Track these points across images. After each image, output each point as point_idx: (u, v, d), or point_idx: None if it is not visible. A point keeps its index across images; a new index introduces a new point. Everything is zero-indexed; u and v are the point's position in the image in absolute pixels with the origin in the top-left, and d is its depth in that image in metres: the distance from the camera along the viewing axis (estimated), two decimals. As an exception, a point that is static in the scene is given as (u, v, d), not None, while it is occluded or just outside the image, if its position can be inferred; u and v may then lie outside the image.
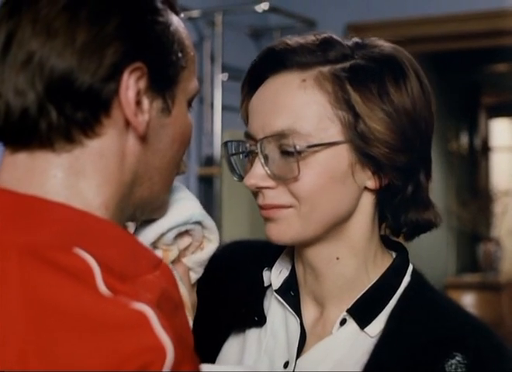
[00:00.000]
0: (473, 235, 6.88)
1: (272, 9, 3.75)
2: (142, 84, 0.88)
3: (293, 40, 1.13)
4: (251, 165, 1.13)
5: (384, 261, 1.17)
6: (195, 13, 3.65)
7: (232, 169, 1.19)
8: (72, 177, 0.87)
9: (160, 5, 0.91)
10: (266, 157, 1.10)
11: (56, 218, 0.85)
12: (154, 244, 1.03)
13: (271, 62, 1.13)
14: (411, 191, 1.13)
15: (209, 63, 3.75)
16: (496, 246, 6.75)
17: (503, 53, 4.80)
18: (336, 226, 1.13)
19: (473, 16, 3.83)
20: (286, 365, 1.16)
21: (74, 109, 0.85)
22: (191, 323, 1.05)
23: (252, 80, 1.17)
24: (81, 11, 0.86)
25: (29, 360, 0.75)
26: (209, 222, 1.07)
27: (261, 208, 1.13)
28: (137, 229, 1.03)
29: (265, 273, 1.23)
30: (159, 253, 1.04)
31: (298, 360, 1.15)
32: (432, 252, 5.92)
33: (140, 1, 0.90)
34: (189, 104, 0.97)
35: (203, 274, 1.11)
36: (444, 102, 6.35)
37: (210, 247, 1.09)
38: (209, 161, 3.77)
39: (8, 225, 0.84)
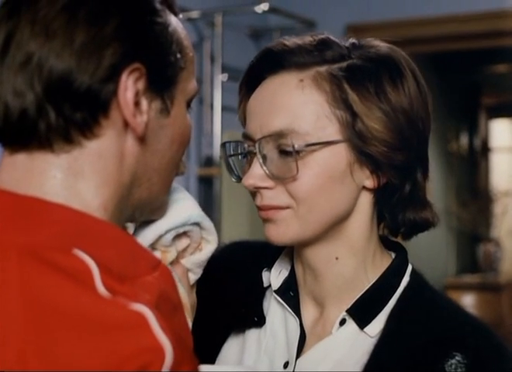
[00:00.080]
0: (473, 236, 6.88)
1: (272, 10, 3.76)
2: (141, 84, 0.88)
3: (291, 41, 1.14)
4: (250, 166, 1.13)
5: (383, 261, 1.17)
6: (194, 14, 3.65)
7: (230, 170, 1.19)
8: (71, 178, 0.87)
9: (158, 5, 0.91)
10: (264, 157, 1.11)
11: (55, 219, 0.85)
12: (153, 245, 1.03)
13: (269, 62, 1.13)
14: (409, 190, 1.13)
15: (209, 63, 3.75)
16: (495, 247, 6.75)
17: (503, 54, 4.80)
18: (335, 226, 1.13)
19: (473, 17, 3.83)
20: (286, 365, 1.16)
21: (72, 110, 0.86)
22: (190, 324, 1.05)
23: (250, 80, 1.17)
24: (79, 12, 0.86)
25: (28, 360, 0.75)
26: (207, 223, 1.07)
27: (259, 208, 1.13)
28: (136, 230, 1.03)
29: (265, 274, 1.23)
30: (157, 254, 1.04)
31: (298, 360, 1.15)
32: (432, 252, 5.93)
33: (139, 2, 0.90)
34: (188, 104, 0.97)
35: (203, 275, 1.11)
36: (444, 103, 6.35)
37: (209, 248, 1.09)
38: (208, 162, 3.77)
39: (8, 226, 0.84)
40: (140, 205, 0.95)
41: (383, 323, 1.12)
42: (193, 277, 1.09)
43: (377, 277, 1.15)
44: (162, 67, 0.91)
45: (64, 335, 0.75)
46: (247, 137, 1.14)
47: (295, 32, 1.22)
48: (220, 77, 3.71)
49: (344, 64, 1.11)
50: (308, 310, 1.18)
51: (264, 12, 3.74)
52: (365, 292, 1.14)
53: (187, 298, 1.05)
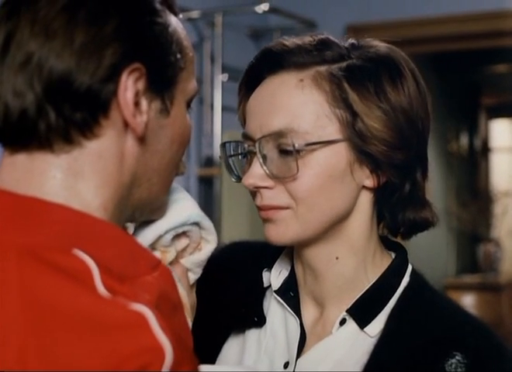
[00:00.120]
0: (473, 236, 6.89)
1: (272, 10, 3.76)
2: (140, 85, 0.88)
3: (290, 41, 1.14)
4: (249, 165, 1.13)
5: (383, 261, 1.17)
6: (195, 14, 3.65)
7: (230, 170, 1.19)
8: (71, 178, 0.87)
9: (158, 6, 0.91)
10: (264, 157, 1.11)
11: (55, 219, 0.85)
12: (152, 246, 1.03)
13: (269, 62, 1.14)
14: (408, 190, 1.14)
15: (209, 63, 3.75)
16: (495, 247, 6.75)
17: (503, 54, 4.81)
18: (335, 226, 1.13)
19: (473, 17, 3.84)
20: (286, 365, 1.16)
21: (72, 110, 0.86)
22: (190, 324, 1.05)
23: (249, 80, 1.17)
24: (79, 12, 0.86)
25: (28, 360, 0.75)
26: (206, 222, 1.07)
27: (259, 208, 1.13)
28: (135, 231, 1.03)
29: (265, 274, 1.23)
30: (157, 254, 1.04)
31: (298, 360, 1.15)
32: (432, 252, 5.93)
33: (139, 2, 0.90)
34: (188, 105, 0.97)
35: (203, 275, 1.11)
36: (444, 103, 6.35)
37: (208, 248, 1.09)
38: (208, 162, 3.77)
39: (8, 226, 0.84)
40: (139, 205, 0.95)
41: (383, 323, 1.12)
42: (193, 277, 1.09)
43: (377, 277, 1.15)
44: (162, 67, 0.91)
45: (63, 335, 0.75)
46: (246, 137, 1.14)
47: (296, 33, 1.22)
48: (220, 77, 3.71)
49: (343, 64, 1.11)
50: (308, 310, 1.19)
51: (264, 12, 3.74)
52: (365, 292, 1.15)
53: (187, 298, 1.05)
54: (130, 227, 1.03)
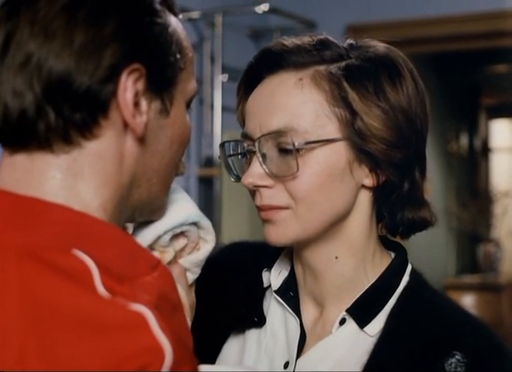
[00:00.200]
0: (473, 236, 6.89)
1: (272, 10, 3.76)
2: (140, 85, 0.88)
3: (289, 41, 1.14)
4: (249, 165, 1.13)
5: (383, 261, 1.17)
6: (195, 14, 3.65)
7: (229, 169, 1.19)
8: (70, 179, 0.87)
9: (158, 6, 0.91)
10: (264, 156, 1.11)
11: (54, 220, 0.85)
12: (150, 246, 1.03)
13: (268, 62, 1.14)
14: (407, 189, 1.14)
15: (209, 64, 3.76)
16: (495, 247, 6.75)
17: (503, 54, 4.81)
18: (334, 225, 1.13)
19: (473, 17, 3.84)
20: (286, 365, 1.16)
21: (72, 111, 0.86)
22: (189, 324, 1.05)
23: (248, 80, 1.17)
24: (79, 12, 0.86)
25: (28, 360, 0.75)
26: (205, 222, 1.07)
27: (259, 208, 1.13)
28: (134, 231, 1.03)
29: (265, 274, 1.23)
30: (155, 254, 1.04)
31: (298, 360, 1.15)
32: (432, 253, 5.93)
33: (138, 2, 0.90)
34: (188, 105, 0.97)
35: (203, 275, 1.11)
36: (444, 103, 6.35)
37: (206, 247, 1.08)
38: (208, 162, 3.78)
39: (7, 226, 0.84)
40: (139, 206, 0.95)
41: (383, 322, 1.12)
42: (191, 277, 1.09)
43: (377, 277, 1.16)
44: (162, 67, 0.90)
45: (63, 336, 0.75)
46: (246, 137, 1.14)
47: (296, 33, 1.23)
48: (220, 78, 3.72)
49: (342, 64, 1.11)
50: (308, 310, 1.19)
51: (264, 12, 3.74)
52: (365, 292, 1.15)
53: (185, 298, 1.04)
54: (129, 227, 1.03)
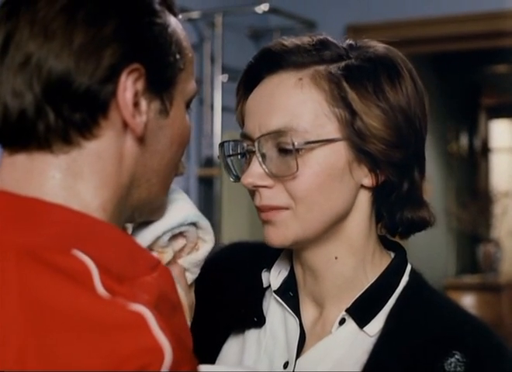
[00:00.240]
0: (473, 237, 6.89)
1: (272, 10, 3.76)
2: (140, 85, 0.88)
3: (289, 41, 1.14)
4: (248, 165, 1.13)
5: (382, 261, 1.17)
6: (195, 14, 3.65)
7: (228, 169, 1.19)
8: (70, 179, 0.87)
9: (158, 6, 0.91)
10: (263, 156, 1.11)
11: (54, 220, 0.85)
12: (149, 247, 1.03)
13: (268, 62, 1.14)
14: (406, 189, 1.14)
15: (209, 64, 3.76)
16: (495, 247, 6.75)
17: (503, 54, 4.81)
18: (334, 225, 1.13)
19: (473, 17, 3.84)
20: (286, 365, 1.16)
21: (71, 111, 0.86)
22: (189, 324, 1.05)
23: (248, 80, 1.17)
24: (78, 12, 0.86)
25: (28, 360, 0.75)
26: (204, 222, 1.07)
27: (259, 209, 1.13)
28: (133, 232, 1.03)
29: (264, 274, 1.23)
30: (154, 255, 1.04)
31: (297, 360, 1.15)
32: (432, 253, 5.93)
33: (138, 2, 0.90)
34: (187, 105, 0.97)
35: (203, 275, 1.11)
36: (444, 103, 6.35)
37: (205, 247, 1.08)
38: (208, 162, 3.78)
39: (7, 227, 0.84)
40: (139, 206, 0.95)
41: (383, 322, 1.12)
42: (191, 277, 1.09)
43: (376, 277, 1.16)
44: (161, 67, 0.91)
45: (63, 336, 0.75)
46: (245, 137, 1.14)
47: (296, 33, 1.23)
48: (220, 78, 3.72)
49: (342, 64, 1.12)
50: (307, 310, 1.19)
51: (264, 12, 3.74)
52: (365, 291, 1.15)
53: (185, 298, 1.04)
54: (129, 228, 1.03)
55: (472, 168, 7.26)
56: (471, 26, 3.87)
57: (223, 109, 3.67)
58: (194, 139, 3.69)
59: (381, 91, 1.10)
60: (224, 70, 3.71)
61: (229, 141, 1.19)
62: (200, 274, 1.10)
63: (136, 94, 0.88)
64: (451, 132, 6.88)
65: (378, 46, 1.15)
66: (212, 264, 1.12)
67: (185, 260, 1.07)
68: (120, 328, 0.76)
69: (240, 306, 1.22)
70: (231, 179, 1.20)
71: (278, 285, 1.21)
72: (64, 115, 0.85)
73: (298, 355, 1.16)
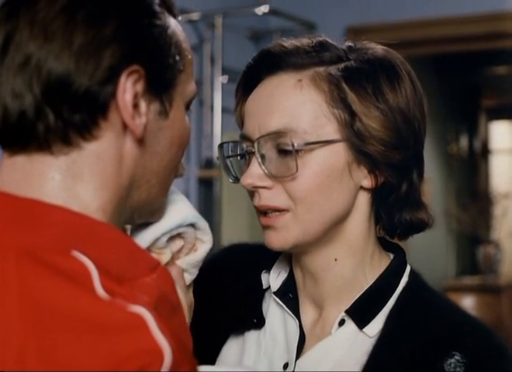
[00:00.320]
0: (473, 238, 6.89)
1: (272, 12, 3.76)
2: (139, 86, 0.88)
3: (288, 42, 1.15)
4: (248, 166, 1.13)
5: (382, 262, 1.18)
6: (195, 15, 3.65)
7: (227, 171, 1.19)
8: (69, 180, 0.87)
9: (157, 8, 0.91)
10: (263, 157, 1.11)
11: (54, 221, 0.85)
12: (148, 248, 1.03)
13: (267, 63, 1.14)
14: (405, 190, 1.14)
15: (209, 65, 3.75)
16: (495, 249, 6.75)
17: (503, 56, 4.81)
18: (333, 227, 1.13)
19: (473, 19, 3.83)
20: (286, 366, 1.16)
21: (71, 112, 0.86)
22: (188, 324, 1.05)
23: (247, 82, 1.17)
24: (78, 13, 0.86)
25: (27, 361, 0.75)
26: (202, 223, 1.07)
27: (258, 209, 1.13)
28: (132, 233, 1.03)
29: (264, 276, 1.23)
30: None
31: (297, 361, 1.16)
32: (432, 254, 5.93)
33: (138, 4, 0.90)
34: (187, 107, 0.97)
35: (203, 277, 1.11)
36: (444, 104, 6.35)
37: (204, 248, 1.08)
38: (208, 164, 3.77)
39: (7, 228, 0.84)
40: (138, 207, 0.95)
41: (382, 323, 1.12)
42: (189, 278, 1.09)
43: (376, 278, 1.16)
44: (161, 69, 0.91)
45: (63, 337, 0.76)
46: (245, 138, 1.14)
47: (296, 34, 1.23)
48: (220, 79, 3.72)
49: (341, 65, 1.12)
50: (307, 311, 1.19)
51: (264, 13, 3.74)
52: (364, 293, 1.15)
53: (184, 299, 1.05)
54: (128, 229, 1.03)
55: (472, 169, 7.26)
56: (471, 28, 3.87)
57: (223, 110, 3.67)
58: (194, 140, 3.69)
59: (380, 92, 1.10)
60: (224, 72, 3.71)
61: (228, 142, 1.19)
62: (200, 275, 1.09)
63: (135, 96, 0.88)
64: (451, 134, 6.88)
65: (377, 48, 1.15)
66: (212, 265, 1.12)
67: (183, 261, 1.07)
68: (120, 329, 0.76)
69: (240, 307, 1.22)
70: (230, 180, 1.20)
71: (277, 287, 1.21)
72: (64, 116, 0.85)
73: (297, 356, 1.16)
